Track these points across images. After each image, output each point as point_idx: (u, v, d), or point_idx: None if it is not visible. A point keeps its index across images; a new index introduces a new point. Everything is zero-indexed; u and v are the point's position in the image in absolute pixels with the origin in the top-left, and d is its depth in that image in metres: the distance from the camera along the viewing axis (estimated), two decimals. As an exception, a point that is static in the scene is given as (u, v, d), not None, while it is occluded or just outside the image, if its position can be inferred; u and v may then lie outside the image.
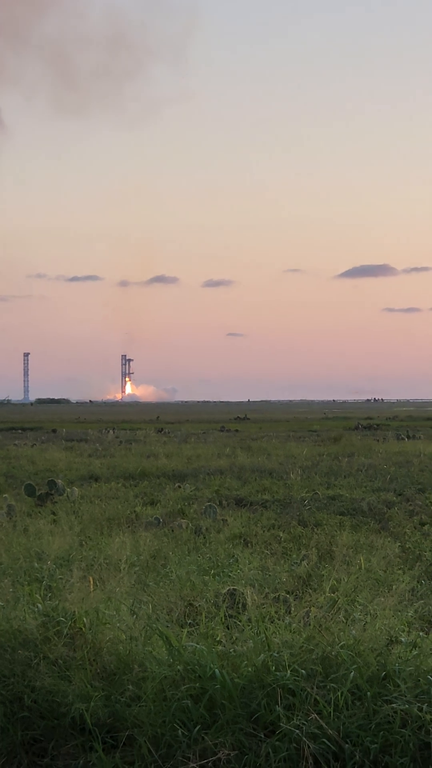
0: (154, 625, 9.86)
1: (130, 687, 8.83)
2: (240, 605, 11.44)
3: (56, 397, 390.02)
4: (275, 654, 8.74)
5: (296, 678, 8.44)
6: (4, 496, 25.40)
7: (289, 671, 8.50)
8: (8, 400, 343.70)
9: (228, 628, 10.04)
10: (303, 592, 12.80)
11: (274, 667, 8.58)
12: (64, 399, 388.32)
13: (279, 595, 12.13)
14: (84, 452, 46.87)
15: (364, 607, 10.87)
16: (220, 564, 14.99)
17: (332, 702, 8.18)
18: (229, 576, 13.84)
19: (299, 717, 8.09)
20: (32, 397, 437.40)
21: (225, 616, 10.57)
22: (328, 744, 7.92)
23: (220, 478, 31.49)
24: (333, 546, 16.52)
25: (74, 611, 10.04)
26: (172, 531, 19.08)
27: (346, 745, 7.93)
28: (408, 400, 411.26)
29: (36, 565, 14.67)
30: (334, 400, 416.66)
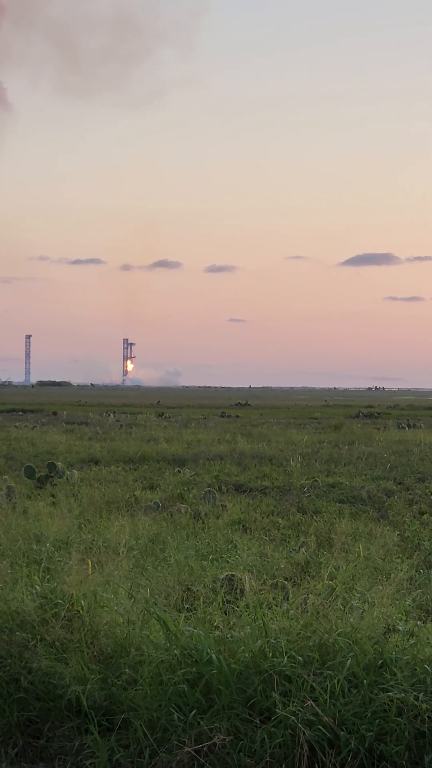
0: (152, 609, 9.86)
1: (127, 670, 8.84)
2: (238, 591, 11.44)
3: (57, 380, 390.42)
4: (272, 640, 8.74)
5: (293, 664, 8.44)
6: (3, 477, 25.41)
7: (285, 658, 8.50)
8: (9, 382, 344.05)
9: (225, 614, 10.04)
10: (301, 579, 12.80)
11: (270, 654, 8.58)
12: (65, 382, 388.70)
13: (277, 582, 12.13)
14: (84, 435, 46.86)
15: (362, 595, 10.86)
16: (218, 549, 14.99)
17: (328, 689, 8.19)
18: (228, 561, 13.84)
19: (295, 703, 8.10)
20: (33, 380, 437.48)
21: (223, 601, 10.56)
22: (324, 731, 7.93)
23: (219, 464, 31.49)
24: (332, 533, 16.51)
25: (72, 594, 10.05)
26: (171, 516, 19.08)
27: (342, 733, 7.94)
28: (409, 389, 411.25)
29: (35, 547, 14.67)
30: (335, 388, 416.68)
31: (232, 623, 9.49)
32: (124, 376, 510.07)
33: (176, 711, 8.31)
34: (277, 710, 8.08)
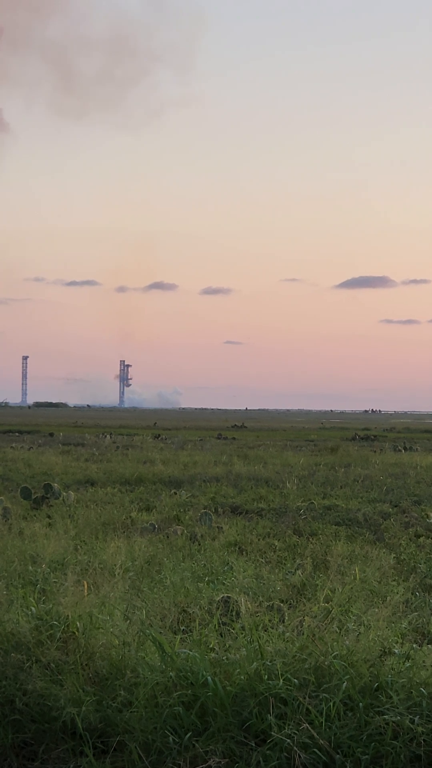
0: (148, 631, 9.84)
1: (122, 692, 8.82)
2: (234, 613, 11.43)
3: (54, 401, 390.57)
4: (268, 663, 8.73)
5: (288, 687, 8.43)
6: (0, 498, 25.38)
7: (281, 680, 8.49)
8: (6, 403, 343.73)
9: (221, 636, 10.03)
10: (297, 602, 12.78)
11: (266, 676, 8.57)
12: (62, 403, 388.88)
13: (273, 604, 12.11)
14: (81, 456, 46.83)
15: (358, 618, 10.85)
16: (214, 571, 14.97)
17: (324, 712, 8.17)
18: (224, 583, 13.82)
19: (291, 726, 8.08)
20: (30, 401, 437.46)
21: (218, 623, 10.55)
22: (319, 754, 7.91)
23: (216, 486, 31.48)
24: (328, 556, 16.49)
25: (68, 615, 10.03)
26: (168, 537, 19.06)
27: (337, 756, 7.92)
28: (405, 412, 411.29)
29: (30, 568, 14.65)
30: (331, 410, 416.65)
31: (227, 645, 9.48)
32: (121, 397, 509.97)
33: (171, 733, 8.28)
34: (272, 733, 8.06)
